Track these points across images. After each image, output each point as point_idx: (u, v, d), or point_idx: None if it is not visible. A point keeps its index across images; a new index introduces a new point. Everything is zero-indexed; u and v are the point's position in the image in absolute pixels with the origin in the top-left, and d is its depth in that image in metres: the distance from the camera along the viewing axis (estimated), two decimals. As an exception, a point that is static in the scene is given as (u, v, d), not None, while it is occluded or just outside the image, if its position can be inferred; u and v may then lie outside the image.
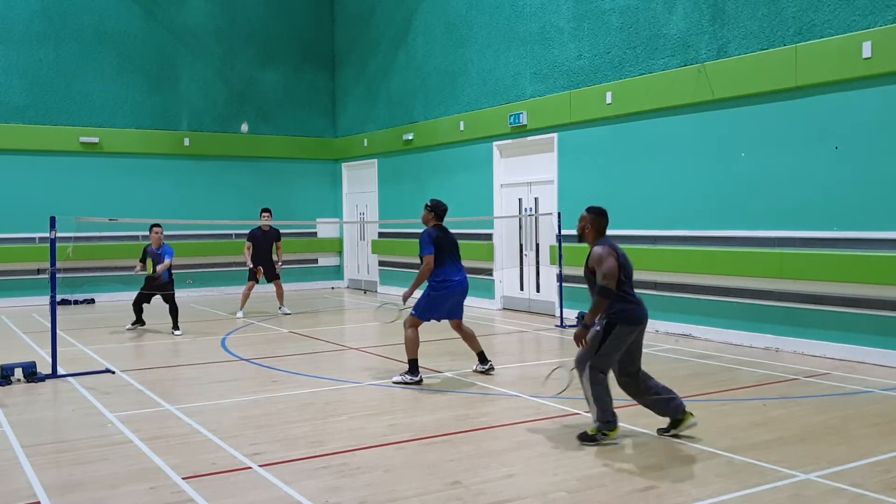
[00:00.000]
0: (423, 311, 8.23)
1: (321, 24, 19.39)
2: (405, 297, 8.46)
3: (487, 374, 8.48)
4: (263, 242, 13.90)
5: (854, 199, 8.93)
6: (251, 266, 13.80)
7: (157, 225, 11.93)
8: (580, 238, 6.23)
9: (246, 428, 6.37)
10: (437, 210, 8.50)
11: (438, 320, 8.46)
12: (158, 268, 11.74)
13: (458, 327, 8.59)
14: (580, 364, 5.88)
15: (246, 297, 13.89)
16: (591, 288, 5.96)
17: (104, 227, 16.24)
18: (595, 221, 6.13)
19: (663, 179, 11.15)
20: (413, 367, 8.05)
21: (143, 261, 11.94)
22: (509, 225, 14.30)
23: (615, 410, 5.85)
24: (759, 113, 9.93)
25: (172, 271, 12.03)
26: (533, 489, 4.85)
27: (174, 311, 11.86)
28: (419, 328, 8.22)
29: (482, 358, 8.62)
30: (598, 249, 5.89)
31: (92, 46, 16.73)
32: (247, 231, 17.83)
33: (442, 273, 8.21)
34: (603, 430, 5.80)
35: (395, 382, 8.01)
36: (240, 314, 13.70)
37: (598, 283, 5.76)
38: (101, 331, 12.19)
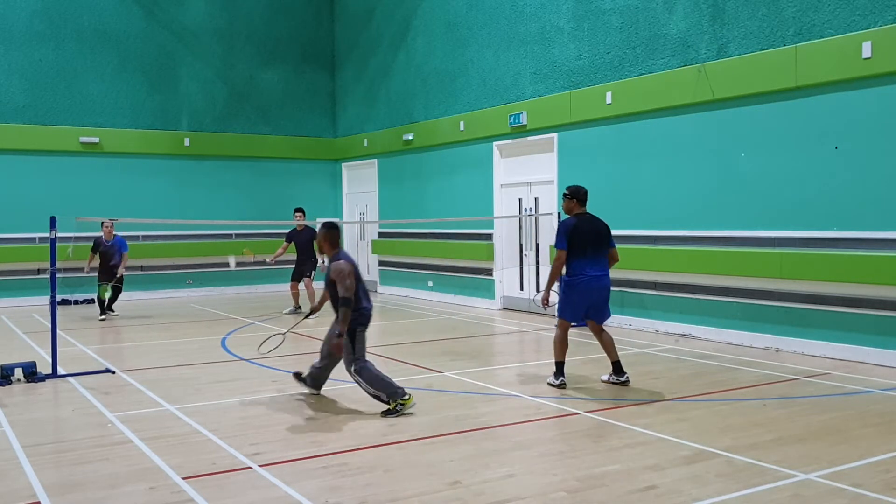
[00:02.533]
0: (562, 311, 7.81)
1: (321, 24, 19.40)
2: (543, 300, 7.88)
3: (624, 385, 7.71)
4: (299, 241, 14.09)
5: (854, 199, 8.93)
6: (270, 261, 14.38)
7: (108, 220, 13.43)
8: (319, 250, 7.25)
9: (246, 428, 6.37)
10: (577, 196, 7.80)
11: (581, 322, 7.93)
12: (119, 271, 13.28)
13: (598, 332, 7.91)
14: (349, 371, 6.85)
15: (295, 294, 14.20)
16: (332, 297, 6.90)
17: (104, 227, 16.25)
18: (328, 236, 7.04)
19: (663, 179, 11.15)
20: (557, 369, 7.71)
21: (94, 251, 13.44)
22: (509, 225, 14.30)
23: (396, 384, 6.74)
24: (759, 113, 9.93)
25: (125, 272, 13.58)
26: (533, 489, 4.85)
27: (115, 296, 13.55)
28: (569, 330, 7.83)
29: (617, 368, 7.82)
30: (338, 265, 6.76)
31: (92, 46, 16.73)
32: (246, 231, 18.00)
33: (574, 268, 7.62)
34: (397, 401, 6.60)
35: (548, 384, 7.72)
36: (287, 309, 14.07)
37: (340, 296, 6.68)
38: (102, 331, 12.19)
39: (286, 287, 14.90)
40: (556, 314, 7.80)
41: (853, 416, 6.50)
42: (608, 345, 7.87)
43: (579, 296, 7.68)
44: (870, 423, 6.26)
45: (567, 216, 7.88)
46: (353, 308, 6.71)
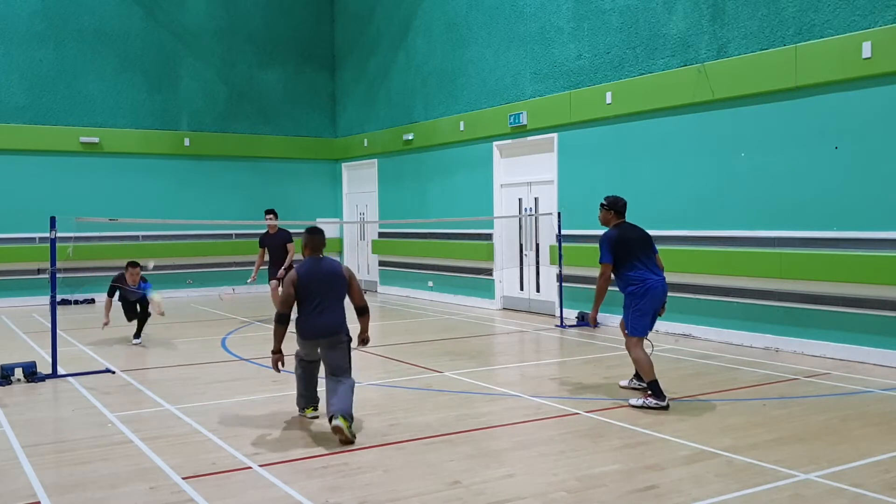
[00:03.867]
0: (635, 328, 7.09)
1: (321, 24, 19.40)
2: (592, 320, 7.45)
3: (637, 390, 7.38)
4: (272, 244, 12.89)
5: (854, 199, 8.94)
6: (251, 280, 13.31)
7: (136, 265, 10.80)
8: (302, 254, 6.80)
9: (246, 428, 6.37)
10: (615, 207, 7.39)
11: (647, 333, 7.18)
12: (156, 309, 10.73)
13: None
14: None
15: (275, 299, 13.48)
16: None
17: (104, 227, 16.24)
18: (309, 241, 6.58)
19: (663, 179, 11.15)
20: (655, 389, 6.87)
21: (111, 295, 10.81)
22: (509, 225, 14.30)
23: (313, 394, 6.69)
24: (759, 113, 9.93)
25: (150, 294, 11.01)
26: (533, 489, 4.85)
27: (143, 321, 10.99)
28: (643, 345, 7.14)
29: (639, 376, 7.39)
30: (289, 274, 6.51)
31: (92, 46, 16.74)
32: (246, 231, 17.97)
33: (635, 276, 7.11)
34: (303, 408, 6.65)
35: (635, 406, 6.87)
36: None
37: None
38: (102, 331, 12.17)
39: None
40: (627, 333, 7.20)
41: (853, 416, 6.49)
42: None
43: (649, 303, 7.08)
44: (870, 423, 6.26)
45: (606, 228, 7.40)
46: (299, 319, 6.39)
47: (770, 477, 5.00)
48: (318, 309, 6.34)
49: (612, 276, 7.23)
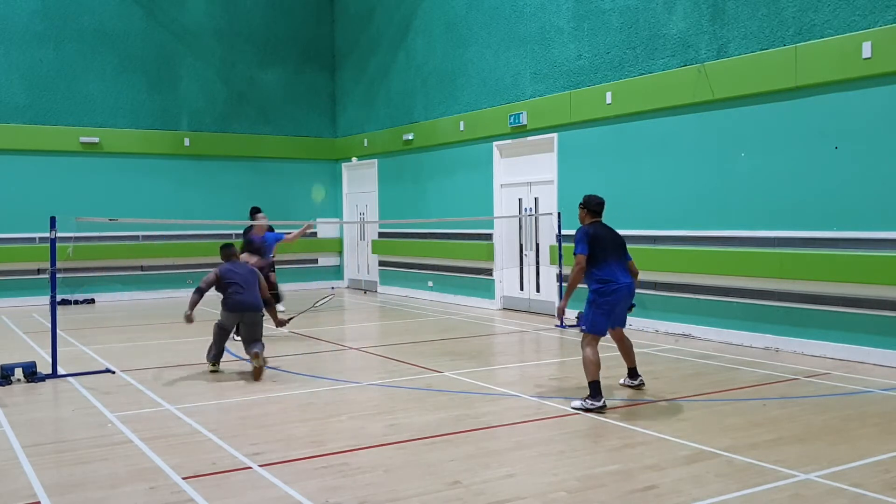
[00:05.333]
0: (594, 325, 7.08)
1: (321, 24, 19.40)
2: (560, 312, 7.58)
3: (638, 388, 7.57)
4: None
5: (854, 199, 8.94)
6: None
7: (259, 210, 12.77)
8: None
9: (246, 428, 6.37)
10: (589, 206, 7.47)
11: (605, 333, 7.24)
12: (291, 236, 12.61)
13: (620, 338, 7.61)
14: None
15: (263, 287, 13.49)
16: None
17: (104, 227, 16.23)
18: (222, 253, 9.04)
19: (663, 179, 11.15)
20: (593, 390, 6.84)
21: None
22: (509, 225, 14.30)
23: (220, 353, 8.83)
24: (759, 113, 9.93)
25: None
26: (533, 489, 4.85)
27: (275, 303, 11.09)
28: (598, 345, 7.08)
29: (633, 373, 7.67)
30: (212, 271, 8.71)
31: (92, 46, 16.73)
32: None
33: (605, 274, 7.09)
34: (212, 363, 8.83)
35: (574, 408, 6.84)
36: (280, 307, 12.77)
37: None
38: (102, 331, 12.18)
39: (288, 286, 14.84)
40: (582, 329, 7.25)
41: (853, 416, 6.50)
42: (628, 350, 7.63)
43: (611, 305, 7.08)
44: (870, 423, 6.26)
45: (581, 226, 7.51)
46: (225, 299, 8.71)
47: (770, 477, 5.00)
48: (237, 291, 8.60)
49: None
